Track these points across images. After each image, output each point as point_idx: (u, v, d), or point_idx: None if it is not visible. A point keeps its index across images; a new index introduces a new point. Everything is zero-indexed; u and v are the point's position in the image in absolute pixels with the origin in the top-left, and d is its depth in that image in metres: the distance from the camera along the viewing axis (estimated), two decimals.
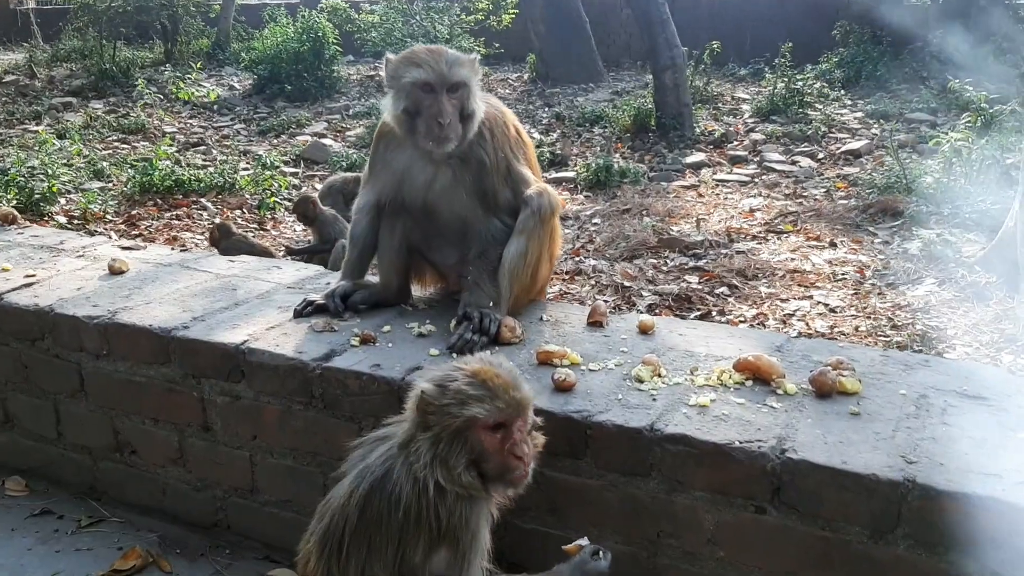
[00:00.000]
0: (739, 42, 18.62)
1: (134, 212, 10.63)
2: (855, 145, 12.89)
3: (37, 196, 10.23)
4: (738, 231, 9.55)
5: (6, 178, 10.24)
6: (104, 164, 12.38)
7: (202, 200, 11.13)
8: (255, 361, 3.71)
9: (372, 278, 4.31)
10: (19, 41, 25.10)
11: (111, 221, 10.29)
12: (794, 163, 12.51)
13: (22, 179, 10.32)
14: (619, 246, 9.09)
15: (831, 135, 13.63)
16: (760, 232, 9.56)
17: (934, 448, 2.88)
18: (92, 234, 9.26)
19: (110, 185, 11.68)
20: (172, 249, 5.60)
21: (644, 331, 3.87)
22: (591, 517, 3.23)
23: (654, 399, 3.24)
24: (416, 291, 4.34)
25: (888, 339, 6.72)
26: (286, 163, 13.24)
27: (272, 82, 18.19)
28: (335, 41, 18.40)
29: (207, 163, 12.93)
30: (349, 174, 10.61)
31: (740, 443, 2.93)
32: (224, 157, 13.16)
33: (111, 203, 10.71)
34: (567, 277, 8.33)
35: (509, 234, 3.94)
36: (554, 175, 12.15)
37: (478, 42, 18.62)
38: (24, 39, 25.04)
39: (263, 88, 18.38)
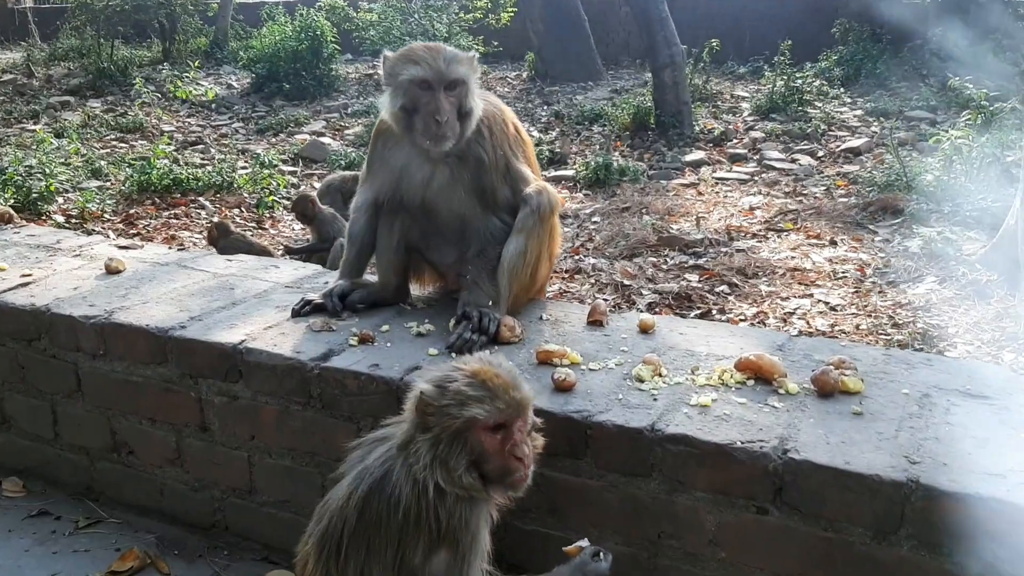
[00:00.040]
0: (738, 40, 18.58)
1: (132, 211, 10.59)
2: (855, 143, 12.86)
3: (35, 195, 10.19)
4: (738, 229, 9.52)
5: (3, 177, 10.20)
6: (102, 163, 12.35)
7: (200, 199, 11.10)
8: (253, 361, 3.68)
9: (370, 277, 4.29)
10: (17, 40, 25.07)
11: (109, 220, 10.26)
12: (794, 161, 12.48)
13: (19, 178, 10.28)
14: (619, 244, 9.06)
15: (831, 133, 13.61)
16: (760, 230, 9.53)
17: (937, 448, 2.85)
18: (89, 233, 9.23)
19: (108, 184, 11.64)
20: (169, 248, 5.58)
21: (644, 330, 3.85)
22: (591, 518, 3.20)
23: (655, 399, 3.22)
24: (415, 290, 4.32)
25: (889, 337, 6.70)
26: (284, 162, 13.21)
27: (270, 81, 18.16)
28: (333, 40, 18.36)
29: (205, 162, 12.89)
30: (348, 172, 10.57)
31: (742, 443, 2.91)
32: (222, 156, 13.13)
33: (109, 202, 10.68)
34: (567, 276, 8.31)
35: (508, 233, 3.92)
36: (553, 173, 12.12)
37: (477, 40, 18.59)
38: (22, 38, 25.01)
39: (261, 87, 18.34)
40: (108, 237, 8.69)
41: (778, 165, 12.28)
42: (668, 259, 8.66)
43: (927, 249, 8.46)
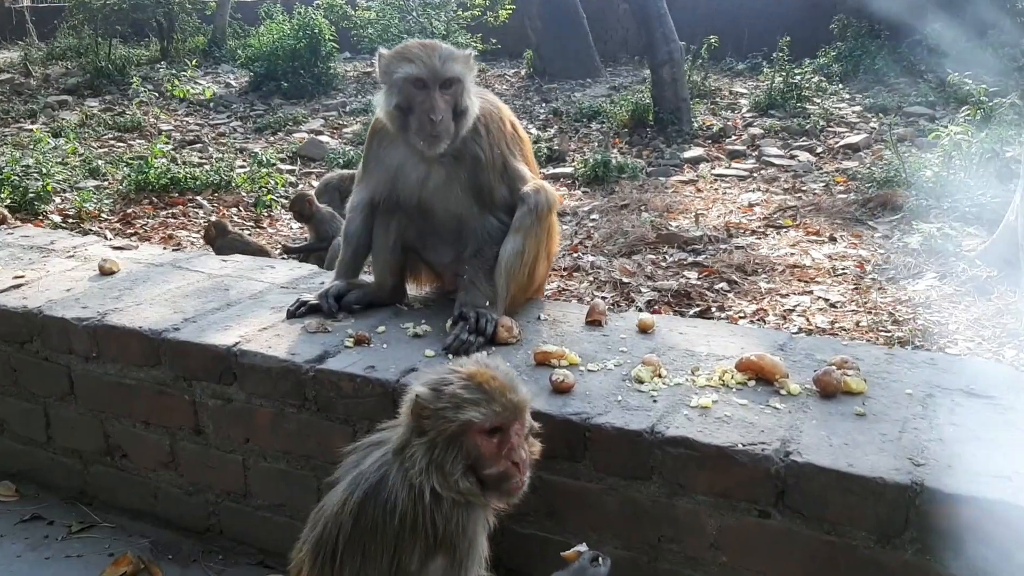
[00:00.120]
0: (736, 36, 18.52)
1: (129, 210, 10.55)
2: (854, 139, 12.82)
3: (31, 195, 10.15)
4: (737, 226, 9.47)
5: (0, 177, 10.15)
6: (99, 162, 12.30)
7: (198, 198, 11.05)
8: (247, 363, 3.64)
9: (367, 277, 4.24)
10: (14, 39, 24.99)
11: (106, 220, 10.21)
12: (792, 157, 12.44)
13: (16, 178, 10.23)
14: (617, 242, 9.02)
15: (829, 129, 13.56)
16: (759, 227, 9.49)
17: (942, 449, 2.81)
18: (85, 233, 9.20)
19: (105, 183, 11.60)
20: (164, 249, 5.52)
21: (644, 330, 3.81)
22: (590, 521, 3.16)
23: (654, 400, 3.18)
24: (411, 290, 4.27)
25: (889, 334, 6.66)
26: (282, 160, 13.16)
27: (268, 79, 18.11)
28: (331, 38, 18.32)
29: (203, 161, 12.84)
30: (346, 171, 10.53)
31: (743, 446, 2.87)
32: (220, 155, 13.09)
33: (106, 201, 10.64)
34: (565, 274, 8.26)
35: (506, 232, 3.88)
36: (552, 171, 12.08)
37: (475, 38, 18.53)
38: (19, 37, 24.93)
39: (259, 85, 18.29)
40: (105, 237, 8.68)
41: (777, 161, 12.24)
42: (667, 256, 8.62)
43: (927, 245, 8.42)
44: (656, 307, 7.29)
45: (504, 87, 18.44)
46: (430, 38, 14.29)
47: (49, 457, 4.36)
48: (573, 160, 12.63)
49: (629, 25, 19.20)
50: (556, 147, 13.25)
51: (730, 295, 7.59)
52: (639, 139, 13.86)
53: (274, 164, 12.49)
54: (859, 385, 3.18)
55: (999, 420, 3.00)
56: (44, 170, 10.73)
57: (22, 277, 4.57)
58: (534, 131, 14.14)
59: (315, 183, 11.20)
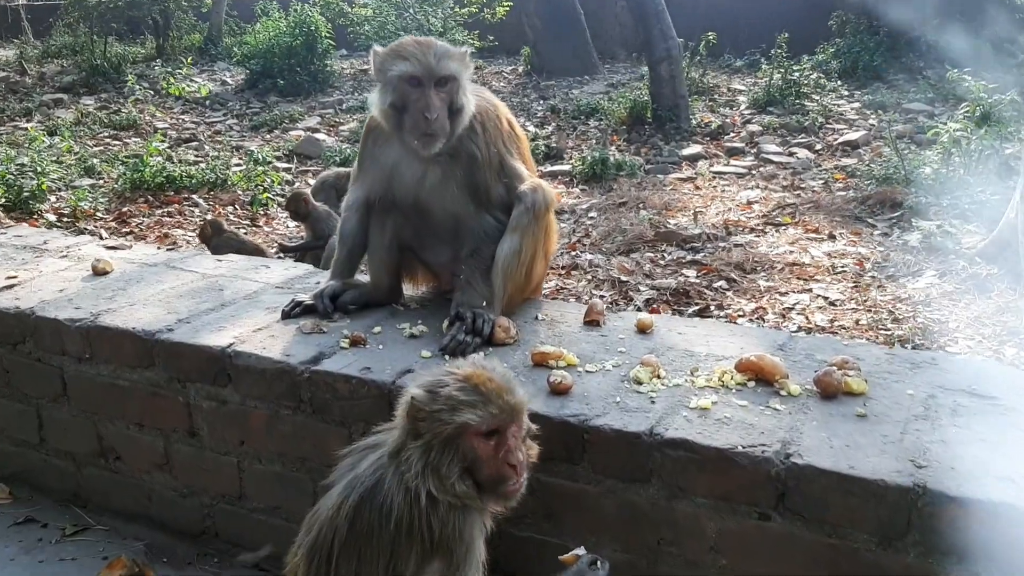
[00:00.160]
0: (735, 33, 18.46)
1: (125, 209, 10.49)
2: (853, 136, 12.78)
3: (26, 194, 10.09)
4: (736, 224, 9.43)
5: None
6: (95, 161, 12.24)
7: (194, 196, 10.99)
8: (241, 364, 3.60)
9: (362, 277, 4.21)
10: (9, 37, 24.91)
11: (102, 218, 10.16)
12: (791, 154, 12.40)
13: (11, 177, 10.18)
14: (616, 240, 8.97)
15: (828, 126, 13.52)
16: (758, 224, 9.45)
17: (944, 451, 2.78)
18: (81, 232, 9.17)
19: (101, 182, 11.54)
20: (159, 248, 5.49)
21: (642, 330, 3.77)
22: (588, 524, 3.13)
23: (653, 402, 3.14)
24: (408, 290, 4.24)
25: (889, 333, 6.62)
26: (279, 158, 13.10)
27: (265, 77, 18.05)
28: (328, 35, 18.26)
29: (199, 159, 12.79)
30: (342, 169, 10.47)
31: (743, 448, 2.83)
32: (216, 153, 13.03)
33: (102, 200, 10.58)
34: (563, 272, 8.23)
35: (503, 231, 3.85)
36: (549, 168, 12.03)
37: (472, 35, 18.48)
38: (14, 35, 24.85)
39: (256, 83, 18.23)
40: (100, 236, 8.64)
41: (775, 159, 12.20)
42: (665, 254, 8.59)
43: (926, 243, 8.38)
44: (655, 306, 7.25)
45: (501, 84, 18.40)
46: (427, 35, 14.25)
47: (42, 459, 4.33)
48: (571, 158, 12.58)
49: (627, 22, 19.14)
50: (554, 145, 13.20)
51: (729, 293, 7.55)
52: (637, 136, 13.81)
53: (270, 162, 12.43)
54: (860, 386, 3.15)
55: (1002, 421, 2.97)
56: (39, 169, 10.67)
57: (15, 277, 4.53)
58: (532, 128, 14.09)
59: (311, 181, 11.15)
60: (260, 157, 12.39)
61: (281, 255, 8.90)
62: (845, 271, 7.96)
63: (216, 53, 22.02)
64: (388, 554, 2.71)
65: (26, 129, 14.12)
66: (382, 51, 3.79)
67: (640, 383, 3.26)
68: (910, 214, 9.22)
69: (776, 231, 9.20)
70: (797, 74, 14.94)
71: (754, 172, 11.76)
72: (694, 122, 13.97)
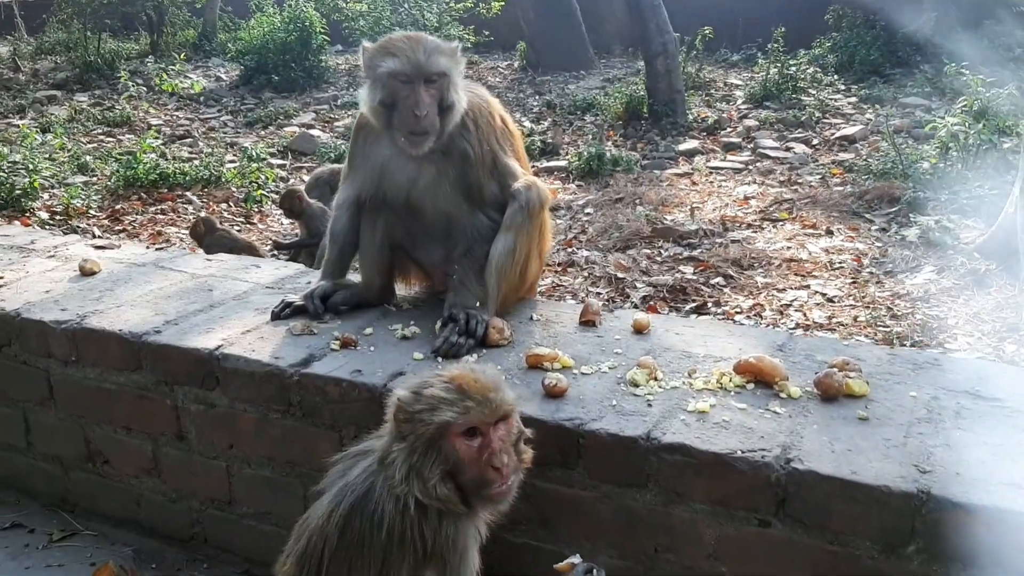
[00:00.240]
0: (731, 27, 18.41)
1: (118, 207, 10.41)
2: (850, 131, 12.71)
3: (18, 192, 10.01)
4: (733, 219, 9.37)
5: None
6: (88, 158, 12.16)
7: (187, 194, 10.92)
8: (230, 367, 3.53)
9: (354, 277, 4.14)
10: (3, 34, 24.78)
11: (94, 216, 10.08)
12: (788, 149, 12.33)
13: (3, 174, 10.09)
14: (612, 236, 8.91)
15: (825, 121, 13.46)
16: (755, 220, 9.39)
17: (948, 456, 2.72)
18: (73, 230, 9.11)
19: (94, 179, 11.46)
20: (148, 248, 5.41)
21: (639, 330, 3.71)
22: (584, 530, 3.07)
23: (650, 405, 3.08)
24: (400, 290, 4.17)
25: (888, 329, 6.57)
26: (273, 155, 13.02)
27: (259, 73, 17.97)
28: (322, 30, 18.18)
29: (193, 156, 12.71)
30: (336, 165, 10.37)
31: (742, 452, 2.77)
32: (210, 150, 12.95)
33: (94, 198, 10.50)
34: (559, 269, 8.16)
35: (497, 230, 3.78)
36: (545, 164, 11.97)
37: (467, 30, 18.41)
38: (8, 32, 24.73)
39: (250, 79, 18.16)
40: (93, 234, 8.59)
41: (772, 154, 12.13)
42: (662, 251, 8.53)
43: (924, 238, 8.33)
44: (652, 303, 7.19)
45: (497, 79, 18.33)
46: (422, 30, 14.16)
47: (29, 463, 4.26)
48: (567, 153, 12.52)
49: (623, 16, 19.04)
50: (550, 140, 13.13)
51: (726, 290, 7.49)
52: (633, 132, 13.74)
53: (264, 159, 12.35)
54: (861, 388, 3.09)
55: (1007, 424, 2.91)
56: (31, 166, 10.59)
57: (1, 278, 4.46)
58: (527, 124, 14.02)
59: (306, 178, 11.08)
60: (254, 154, 12.31)
61: (275, 253, 8.84)
62: (843, 267, 7.90)
63: (210, 49, 21.93)
64: (379, 563, 2.65)
65: (19, 126, 14.02)
66: (371, 47, 3.72)
67: (637, 385, 3.20)
68: (908, 209, 9.17)
69: (773, 227, 9.14)
70: (794, 69, 14.88)
71: (751, 167, 11.69)
72: (690, 117, 13.90)
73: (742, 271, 7.84)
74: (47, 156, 11.77)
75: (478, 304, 3.68)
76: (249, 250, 8.01)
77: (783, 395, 3.10)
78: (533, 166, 4.08)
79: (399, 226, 3.93)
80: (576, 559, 2.79)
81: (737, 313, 7.01)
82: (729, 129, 13.51)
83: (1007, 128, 10.05)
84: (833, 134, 12.77)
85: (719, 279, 7.71)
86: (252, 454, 3.62)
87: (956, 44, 13.10)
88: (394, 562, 2.63)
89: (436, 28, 17.03)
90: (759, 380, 3.19)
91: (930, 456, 2.71)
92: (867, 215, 9.34)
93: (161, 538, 3.97)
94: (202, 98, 16.90)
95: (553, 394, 3.14)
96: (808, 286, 7.51)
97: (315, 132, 14.30)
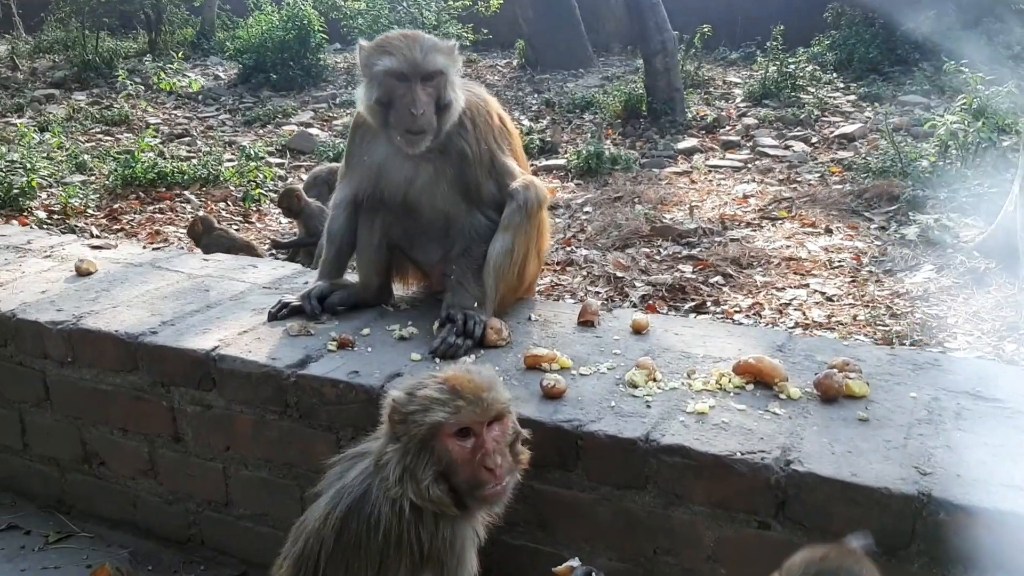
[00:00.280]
0: (730, 25, 18.37)
1: (116, 206, 10.38)
2: (849, 129, 12.69)
3: (16, 191, 9.98)
4: (732, 218, 9.35)
5: None
6: (86, 157, 12.12)
7: (186, 193, 10.89)
8: (226, 368, 3.52)
9: (351, 277, 4.12)
10: (0, 32, 24.74)
11: (92, 215, 10.06)
12: (787, 148, 12.31)
13: (1, 174, 10.06)
14: (611, 235, 8.89)
15: (824, 119, 13.43)
16: (754, 219, 9.37)
17: (949, 457, 2.70)
18: (72, 230, 9.08)
19: (92, 178, 11.43)
20: (144, 247, 5.39)
21: (638, 331, 3.69)
22: (583, 532, 3.05)
23: (649, 406, 3.06)
24: (398, 290, 4.16)
25: (887, 328, 6.55)
26: (271, 153, 12.98)
27: (257, 71, 17.92)
28: (321, 29, 18.14)
29: (191, 154, 12.68)
30: (335, 164, 10.33)
31: (742, 454, 2.75)
32: (208, 149, 12.92)
33: (92, 197, 10.47)
34: (558, 268, 8.14)
35: (494, 229, 3.76)
36: (544, 163, 11.94)
37: (466, 28, 18.36)
38: (6, 30, 24.68)
39: (248, 77, 18.11)
40: (91, 233, 8.57)
41: (771, 152, 12.11)
42: (661, 250, 8.50)
43: (924, 236, 8.31)
44: (651, 302, 7.17)
45: (496, 78, 18.30)
46: (420, 28, 14.13)
47: (25, 465, 4.24)
48: (566, 152, 12.49)
49: (621, 14, 19.01)
50: (548, 139, 13.10)
51: (725, 289, 7.47)
52: (632, 130, 13.71)
53: (263, 157, 12.31)
54: (862, 389, 3.07)
55: (1008, 425, 2.90)
56: (29, 165, 10.56)
57: None
58: (526, 122, 13.99)
59: (304, 176, 11.05)
60: (252, 152, 12.27)
61: (274, 252, 8.82)
62: (842, 266, 7.88)
63: (209, 47, 21.88)
64: (376, 566, 2.63)
65: (17, 125, 13.99)
66: (367, 46, 3.71)
67: (635, 386, 3.18)
68: (907, 207, 9.15)
69: (772, 225, 9.12)
70: (793, 67, 14.85)
71: (750, 166, 11.67)
72: (689, 115, 13.87)
73: (741, 270, 7.82)
74: (45, 155, 11.73)
75: (476, 304, 3.66)
76: (247, 249, 7.98)
77: (783, 396, 3.08)
78: (532, 164, 4.06)
79: (396, 225, 3.91)
80: (575, 562, 2.77)
81: (736, 312, 6.99)
82: (728, 127, 13.48)
83: (1006, 126, 10.02)
84: (832, 132, 12.75)
85: (718, 278, 7.70)
86: (249, 456, 3.60)
87: (955, 42, 13.08)
88: (391, 565, 2.61)
89: (435, 26, 16.99)
90: (759, 381, 3.17)
91: (931, 458, 2.70)
92: (866, 213, 9.32)
93: (158, 540, 3.96)
94: (200, 97, 16.86)
95: (551, 395, 3.13)
96: (807, 285, 7.49)
97: (313, 131, 14.27)
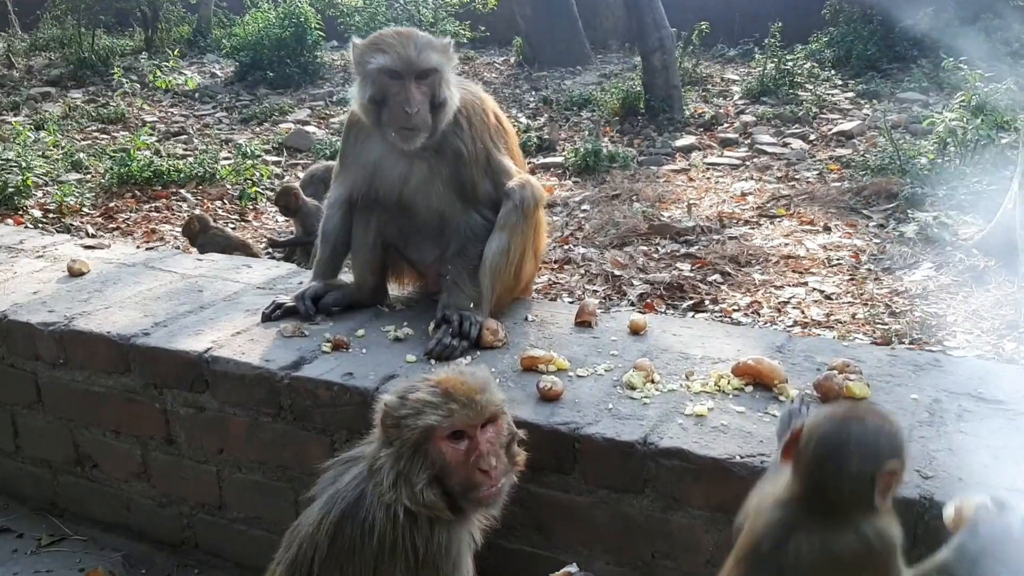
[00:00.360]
0: (728, 22, 18.34)
1: (112, 204, 10.34)
2: (847, 126, 12.66)
3: (11, 190, 9.93)
4: (730, 216, 9.32)
5: None
6: (82, 155, 12.07)
7: (182, 191, 10.84)
8: (219, 370, 3.48)
9: (346, 277, 4.08)
10: None
11: (88, 214, 10.01)
12: (785, 145, 12.28)
13: None
14: (609, 233, 8.85)
15: (822, 116, 13.40)
16: (752, 216, 9.34)
17: (951, 460, 2.67)
18: (67, 229, 9.03)
19: (88, 177, 11.38)
20: (138, 247, 5.35)
21: (635, 331, 3.66)
22: (580, 536, 3.02)
23: (647, 408, 3.03)
24: (393, 290, 4.13)
25: (886, 327, 6.52)
26: (268, 151, 12.94)
27: (254, 69, 17.87)
28: (318, 26, 18.09)
29: (188, 153, 12.63)
30: (332, 162, 10.24)
31: (741, 457, 2.72)
32: (205, 147, 12.87)
33: (88, 195, 10.42)
34: (556, 266, 8.11)
35: (491, 229, 3.73)
36: (542, 160, 11.90)
37: (463, 25, 18.33)
38: (1, 28, 24.62)
39: (245, 75, 18.06)
40: (87, 232, 8.53)
41: (769, 149, 12.08)
42: (659, 248, 8.47)
43: (922, 234, 8.28)
44: (649, 300, 7.14)
45: (493, 75, 18.26)
46: (417, 26, 14.11)
47: (17, 467, 4.21)
48: (563, 149, 12.45)
49: (619, 12, 19.00)
50: (546, 136, 13.06)
51: (723, 287, 7.44)
52: (630, 127, 13.68)
53: (259, 156, 12.26)
54: (862, 390, 3.04)
55: (1010, 427, 2.86)
56: (24, 164, 10.51)
57: None
58: (523, 120, 13.94)
59: (301, 174, 11.00)
60: (249, 150, 12.23)
61: (270, 251, 8.78)
62: (841, 264, 7.85)
63: (205, 45, 21.82)
64: (371, 572, 2.60)
65: (12, 123, 13.94)
66: (361, 43, 3.67)
67: (633, 388, 3.15)
68: (906, 205, 9.11)
69: (771, 223, 9.09)
70: (791, 64, 14.82)
71: (748, 163, 11.64)
72: (687, 113, 13.84)
73: (739, 268, 7.79)
74: (41, 153, 11.69)
75: (472, 305, 3.63)
76: (243, 248, 7.95)
77: (782, 398, 3.06)
78: (529, 162, 4.03)
79: (392, 225, 3.88)
80: (573, 568, 2.74)
81: (735, 310, 6.96)
82: (726, 125, 13.45)
83: (1005, 123, 10.00)
84: (830, 129, 12.72)
85: (716, 276, 7.66)
86: (242, 458, 3.57)
87: (954, 39, 13.06)
88: (385, 571, 2.58)
89: (432, 23, 16.95)
90: (758, 382, 3.14)
91: (932, 461, 2.67)
92: (865, 211, 9.28)
93: (151, 543, 3.93)
94: (197, 95, 16.81)
95: (548, 397, 3.09)
96: (806, 283, 7.46)
97: (310, 128, 14.22)
